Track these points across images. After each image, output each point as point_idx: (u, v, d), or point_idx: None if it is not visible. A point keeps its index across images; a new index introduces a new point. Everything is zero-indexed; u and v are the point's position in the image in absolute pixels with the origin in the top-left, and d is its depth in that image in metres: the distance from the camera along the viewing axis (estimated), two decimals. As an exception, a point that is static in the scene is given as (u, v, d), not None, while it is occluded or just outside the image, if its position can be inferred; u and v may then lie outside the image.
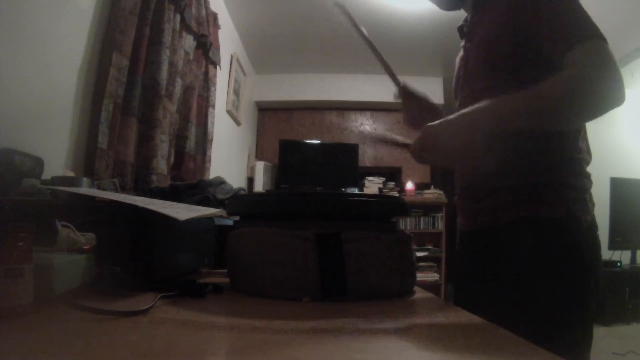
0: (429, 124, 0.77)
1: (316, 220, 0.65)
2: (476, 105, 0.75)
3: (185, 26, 2.01)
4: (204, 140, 2.29)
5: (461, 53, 1.00)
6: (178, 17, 1.88)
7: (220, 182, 1.37)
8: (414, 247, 0.74)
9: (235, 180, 3.39)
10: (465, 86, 0.95)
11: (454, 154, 0.77)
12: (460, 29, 1.02)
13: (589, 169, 0.86)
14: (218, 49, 2.46)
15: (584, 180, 0.83)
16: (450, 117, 0.77)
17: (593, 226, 0.82)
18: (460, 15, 1.03)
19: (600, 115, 0.71)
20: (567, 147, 0.83)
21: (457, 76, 1.01)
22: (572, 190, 0.81)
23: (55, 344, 0.37)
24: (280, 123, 4.46)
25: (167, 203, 0.73)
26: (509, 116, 0.73)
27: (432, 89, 4.28)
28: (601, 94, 0.70)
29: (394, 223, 0.76)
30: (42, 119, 1.16)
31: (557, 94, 0.71)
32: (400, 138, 0.95)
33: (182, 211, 0.67)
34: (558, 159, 0.82)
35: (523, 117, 0.73)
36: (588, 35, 0.72)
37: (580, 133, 0.85)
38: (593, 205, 0.84)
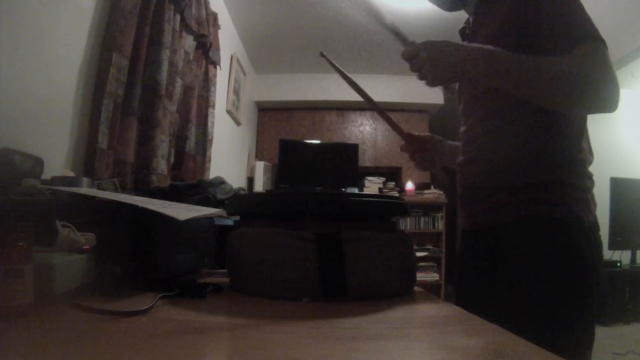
0: (431, 40, 0.81)
1: (316, 220, 0.65)
2: (480, 45, 0.79)
3: (185, 26, 2.01)
4: (204, 140, 2.29)
5: None
6: (178, 17, 1.88)
7: (220, 182, 1.37)
8: (414, 247, 0.74)
9: (235, 180, 3.39)
10: (468, 88, 0.96)
11: (439, 74, 0.80)
12: (462, 31, 1.02)
13: (590, 169, 0.86)
14: (218, 49, 2.47)
15: (586, 180, 0.83)
16: (454, 42, 0.80)
17: (595, 226, 0.82)
18: (461, 15, 1.03)
19: (588, 113, 0.73)
20: (569, 147, 0.83)
21: None
22: (573, 190, 0.81)
23: (55, 344, 0.37)
24: (280, 123, 4.46)
25: (167, 203, 0.73)
26: (505, 69, 0.77)
27: (432, 89, 4.29)
28: (597, 93, 0.71)
29: (394, 223, 0.76)
30: (42, 119, 1.16)
31: (556, 72, 0.73)
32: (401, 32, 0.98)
33: (182, 211, 0.67)
34: (560, 158, 0.82)
35: (516, 78, 0.76)
36: (588, 36, 0.73)
37: (583, 133, 0.85)
38: (595, 205, 0.84)
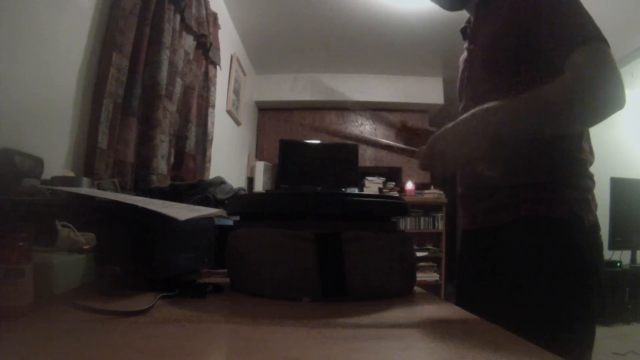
0: (435, 134, 0.75)
1: (316, 220, 0.65)
2: (478, 109, 0.73)
3: (185, 26, 2.01)
4: (204, 140, 2.29)
5: (465, 54, 1.00)
6: (178, 17, 1.88)
7: (220, 182, 1.37)
8: (414, 247, 0.74)
9: (235, 180, 3.39)
10: (469, 88, 0.96)
11: (461, 160, 0.74)
12: (464, 31, 1.02)
13: (590, 169, 0.86)
14: (218, 49, 2.46)
15: (587, 181, 0.83)
16: (452, 124, 0.74)
17: (595, 226, 0.82)
18: (461, 15, 1.03)
19: (602, 120, 0.70)
20: (570, 148, 0.83)
21: (462, 78, 1.01)
22: (574, 190, 0.81)
23: (55, 344, 0.37)
24: (280, 123, 4.46)
25: (167, 203, 0.73)
26: (512, 120, 0.71)
27: (432, 89, 4.29)
28: (603, 98, 0.69)
29: (394, 223, 0.76)
30: (42, 119, 1.16)
31: (559, 97, 0.70)
32: (403, 146, 0.93)
33: (182, 211, 0.67)
34: (560, 158, 0.82)
35: (525, 120, 0.71)
36: (590, 37, 0.72)
37: (583, 133, 0.85)
38: (596, 205, 0.84)
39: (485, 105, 0.72)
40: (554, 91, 0.70)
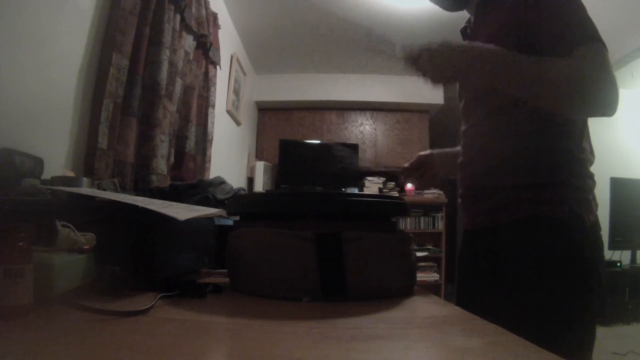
0: (434, 44, 0.81)
1: (316, 220, 0.65)
2: (481, 44, 0.79)
3: (185, 26, 2.01)
4: (204, 140, 2.29)
5: None
6: (178, 17, 1.88)
7: (220, 182, 1.37)
8: (414, 247, 0.74)
9: (235, 180, 3.39)
10: (469, 87, 0.96)
11: (442, 68, 0.80)
12: (464, 31, 1.02)
13: (590, 169, 0.86)
14: (218, 49, 2.46)
15: (587, 181, 0.83)
16: (451, 46, 0.80)
17: (596, 226, 0.82)
18: (461, 16, 1.03)
19: (587, 116, 0.73)
20: (570, 147, 0.83)
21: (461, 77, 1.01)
22: (574, 190, 0.81)
23: (55, 344, 0.37)
24: (280, 123, 4.46)
25: (167, 203, 0.73)
26: (505, 68, 0.77)
27: (432, 89, 4.28)
28: (597, 96, 0.71)
29: (394, 223, 0.76)
30: (42, 119, 1.16)
31: (555, 74, 0.73)
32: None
33: (182, 211, 0.67)
34: (561, 158, 0.82)
35: (516, 77, 0.76)
36: (590, 37, 0.72)
37: (584, 133, 0.85)
38: (596, 205, 0.84)
39: (487, 46, 0.78)
40: (554, 67, 0.73)
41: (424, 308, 0.61)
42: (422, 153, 1.15)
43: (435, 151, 1.15)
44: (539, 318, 0.75)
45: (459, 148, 1.02)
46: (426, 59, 0.81)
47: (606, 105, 0.71)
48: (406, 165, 1.15)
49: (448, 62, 0.80)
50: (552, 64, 0.73)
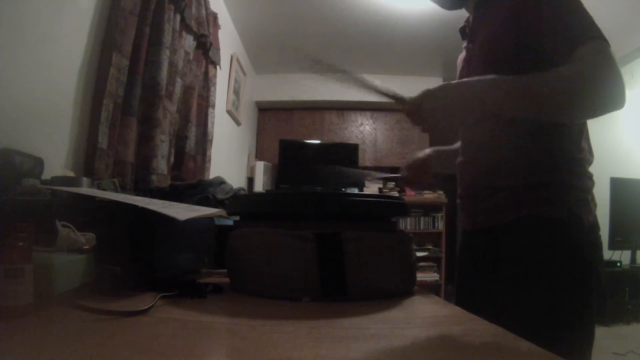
0: (429, 90, 0.76)
1: (316, 220, 0.65)
2: (474, 79, 0.75)
3: (185, 26, 2.01)
4: (204, 140, 2.29)
5: (463, 54, 1.00)
6: (178, 17, 1.88)
7: (220, 182, 1.37)
8: (414, 247, 0.74)
9: (235, 180, 3.39)
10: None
11: (451, 119, 0.75)
12: (462, 30, 1.02)
13: (590, 169, 0.86)
14: (218, 49, 2.46)
15: (586, 181, 0.83)
16: (453, 82, 0.77)
17: (595, 226, 0.82)
18: (461, 15, 1.03)
19: (599, 115, 0.71)
20: (569, 147, 0.83)
21: (460, 77, 1.01)
22: (573, 190, 0.81)
23: (55, 344, 0.37)
24: (280, 123, 4.46)
25: (167, 203, 0.73)
26: (510, 100, 0.74)
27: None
28: (604, 93, 0.70)
29: (394, 223, 0.76)
30: (42, 119, 1.16)
31: (560, 84, 0.71)
32: (394, 92, 0.92)
33: (182, 211, 0.67)
34: (560, 159, 0.82)
35: (523, 104, 0.74)
36: (592, 36, 0.72)
37: (583, 133, 0.85)
38: (595, 205, 0.84)
39: (483, 77, 0.74)
40: (557, 77, 0.71)
41: (424, 308, 0.61)
42: (420, 154, 1.14)
43: (433, 149, 1.14)
44: (539, 318, 0.75)
45: (456, 145, 1.02)
46: (432, 110, 0.74)
47: (613, 101, 0.70)
48: (405, 173, 1.12)
49: (461, 104, 0.73)
50: (551, 73, 0.71)
